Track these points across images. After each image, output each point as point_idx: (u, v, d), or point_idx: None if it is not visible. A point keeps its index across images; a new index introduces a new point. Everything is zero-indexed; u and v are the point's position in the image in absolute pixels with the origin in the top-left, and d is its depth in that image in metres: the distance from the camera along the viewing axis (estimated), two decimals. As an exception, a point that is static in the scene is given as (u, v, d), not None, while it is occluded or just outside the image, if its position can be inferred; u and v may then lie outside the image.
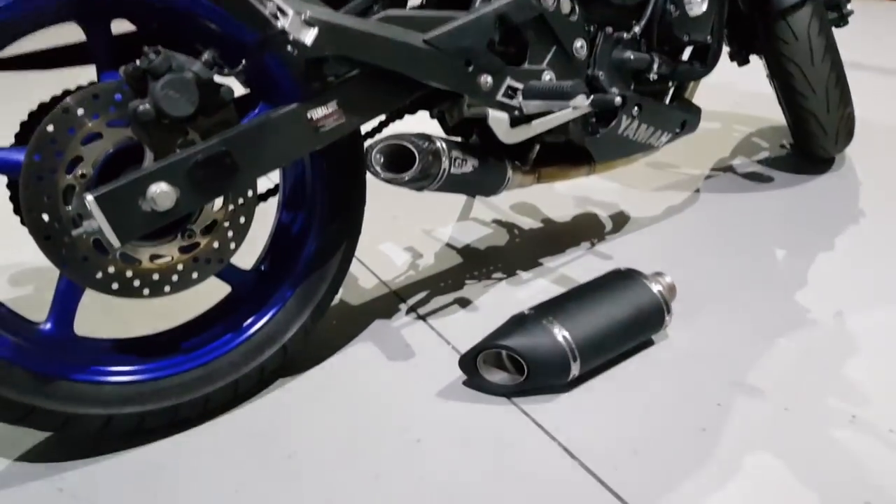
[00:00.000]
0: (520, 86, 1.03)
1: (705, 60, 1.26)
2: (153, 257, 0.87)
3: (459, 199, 1.64)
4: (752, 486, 0.85)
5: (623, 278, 1.10)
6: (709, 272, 1.30)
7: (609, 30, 1.12)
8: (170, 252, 0.88)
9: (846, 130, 1.64)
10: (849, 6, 1.55)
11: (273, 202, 1.10)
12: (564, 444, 0.92)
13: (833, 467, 0.87)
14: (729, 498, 0.83)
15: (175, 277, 0.88)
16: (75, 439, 0.94)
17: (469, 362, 1.01)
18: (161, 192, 0.80)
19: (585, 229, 1.49)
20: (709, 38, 1.22)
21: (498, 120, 1.03)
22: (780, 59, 1.49)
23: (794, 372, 1.04)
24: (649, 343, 1.10)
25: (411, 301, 1.25)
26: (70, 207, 0.79)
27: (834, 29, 1.56)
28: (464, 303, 1.24)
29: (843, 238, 1.41)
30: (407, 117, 1.17)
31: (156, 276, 0.87)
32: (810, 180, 1.67)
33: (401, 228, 1.52)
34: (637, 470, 0.87)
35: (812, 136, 1.62)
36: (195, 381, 0.94)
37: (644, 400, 0.99)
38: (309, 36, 0.81)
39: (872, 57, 2.75)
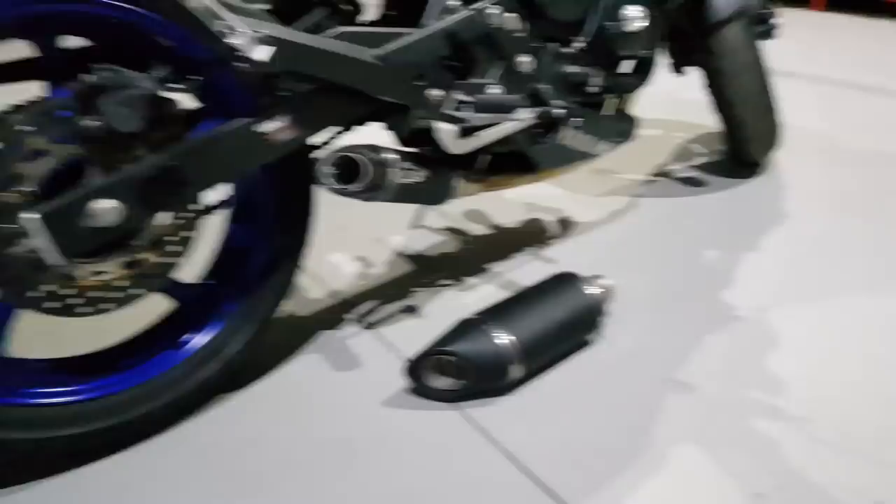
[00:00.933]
0: (468, 99, 1.06)
1: (642, 73, 1.31)
2: (95, 274, 0.86)
3: (408, 208, 1.66)
4: (682, 479, 0.90)
5: (562, 282, 1.14)
6: (645, 274, 1.36)
7: (553, 45, 1.16)
8: (113, 268, 0.86)
9: (774, 137, 1.72)
10: (775, 20, 1.63)
11: (221, 214, 1.09)
12: (506, 447, 0.95)
13: (752, 456, 0.93)
14: (660, 492, 0.88)
15: (118, 294, 0.87)
16: (7, 465, 0.91)
17: (414, 369, 1.03)
18: (107, 209, 0.79)
19: (532, 235, 1.53)
20: (645, 52, 1.27)
21: (445, 132, 1.06)
22: (713, 70, 1.56)
23: (720, 367, 1.10)
24: (587, 345, 1.15)
25: (359, 310, 1.26)
26: (12, 225, 0.78)
27: (762, 41, 1.64)
28: (411, 310, 1.26)
29: (770, 239, 1.49)
30: (359, 128, 1.19)
31: (98, 294, 0.86)
32: (741, 184, 1.75)
33: (350, 238, 1.53)
34: (574, 470, 0.91)
35: (743, 143, 1.70)
36: (135, 399, 0.92)
37: (582, 400, 1.03)
38: (261, 53, 0.81)
39: (798, 65, 2.88)
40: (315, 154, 1.02)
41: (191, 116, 0.93)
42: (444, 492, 0.88)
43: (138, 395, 0.93)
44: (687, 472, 0.90)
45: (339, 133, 1.15)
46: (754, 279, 1.34)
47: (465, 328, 1.04)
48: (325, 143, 1.16)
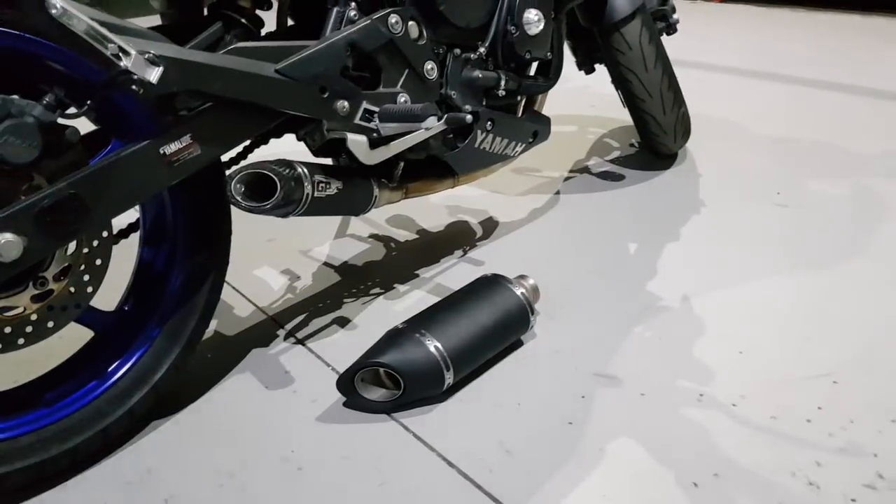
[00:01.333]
0: (376, 109, 1.06)
1: (549, 74, 1.35)
2: (3, 310, 0.83)
3: (336, 218, 1.66)
4: (614, 471, 0.92)
5: (489, 285, 1.16)
6: (570, 270, 1.39)
7: (457, 51, 1.17)
8: (21, 302, 0.84)
9: (683, 128, 1.79)
10: (675, 16, 1.70)
11: (134, 238, 1.07)
12: (442, 453, 0.95)
13: (686, 444, 0.96)
14: (595, 485, 0.90)
15: (29, 329, 0.84)
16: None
17: (347, 383, 1.03)
18: (6, 242, 0.77)
19: (457, 237, 1.55)
20: (549, 54, 1.30)
21: (357, 143, 1.06)
22: (619, 67, 1.61)
23: (649, 358, 1.13)
24: (518, 344, 1.17)
25: (289, 325, 1.25)
26: None
27: (663, 36, 1.70)
28: (342, 322, 1.26)
29: (687, 227, 1.54)
30: (273, 141, 1.18)
31: (7, 330, 0.83)
32: (657, 175, 1.81)
33: (277, 251, 1.51)
34: (511, 470, 0.92)
35: (654, 136, 1.76)
36: (60, 433, 0.90)
37: (515, 400, 1.05)
38: (153, 74, 0.80)
39: (699, 55, 3.00)
40: (226, 171, 1.01)
41: (94, 139, 0.91)
42: (388, 502, 0.88)
43: (64, 429, 0.90)
44: (624, 465, 0.92)
45: (254, 146, 1.14)
46: (677, 268, 1.39)
47: (395, 338, 1.05)
48: (241, 157, 1.15)
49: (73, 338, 1.00)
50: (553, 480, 0.91)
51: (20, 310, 0.84)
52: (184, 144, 0.88)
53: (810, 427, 0.98)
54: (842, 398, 1.03)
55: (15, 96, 0.77)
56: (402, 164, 1.21)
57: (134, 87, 0.80)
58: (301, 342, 1.20)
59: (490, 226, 1.59)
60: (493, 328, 1.10)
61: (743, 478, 0.90)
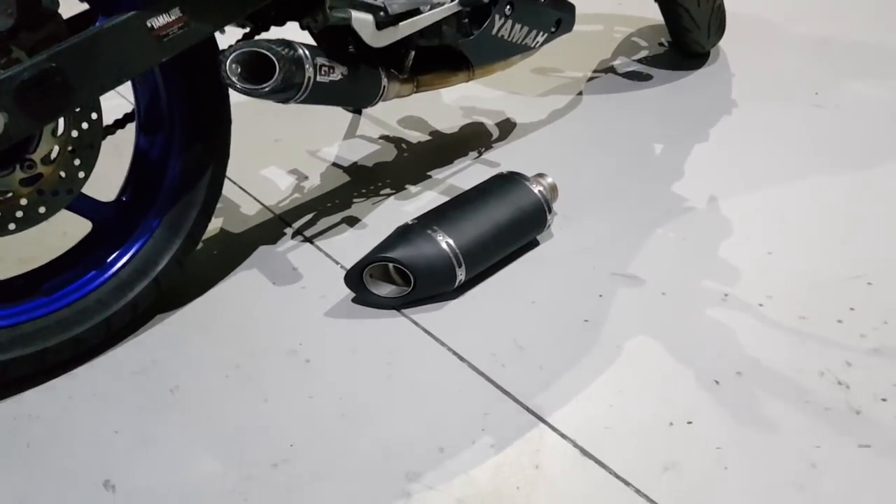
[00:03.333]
0: (384, -16, 0.98)
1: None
2: (-7, 193, 0.79)
3: (345, 118, 1.59)
4: (631, 367, 0.88)
5: (505, 182, 1.10)
6: (591, 171, 1.32)
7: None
8: (10, 186, 0.80)
9: (718, 23, 1.68)
10: None
11: (131, 130, 1.02)
12: (454, 348, 0.92)
13: (708, 343, 0.92)
14: (612, 381, 0.87)
15: (20, 214, 0.81)
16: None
17: (355, 278, 1.00)
18: (-15, 118, 0.72)
19: (472, 139, 1.48)
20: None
21: (363, 22, 0.98)
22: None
23: (671, 258, 1.08)
24: (534, 244, 1.12)
25: (297, 224, 1.21)
26: None
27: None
28: (351, 221, 1.21)
29: (716, 129, 1.46)
30: (274, 29, 1.10)
31: (-1, 213, 0.80)
32: (687, 76, 1.71)
33: (283, 151, 1.46)
34: (524, 365, 0.89)
35: (686, 32, 1.65)
36: (61, 323, 0.88)
37: (529, 299, 1.01)
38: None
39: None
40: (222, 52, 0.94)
41: (81, 19, 0.85)
42: (397, 394, 0.86)
43: (65, 318, 0.88)
44: (642, 363, 0.89)
45: (254, 34, 1.07)
46: (703, 170, 1.31)
47: (405, 233, 1.01)
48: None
49: (78, 235, 0.96)
50: (567, 376, 0.87)
51: (9, 193, 0.80)
52: (173, 18, 0.81)
53: (841, 328, 0.93)
54: (876, 299, 0.97)
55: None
56: (412, 52, 1.13)
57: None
58: (309, 240, 1.16)
59: (507, 127, 1.52)
60: (507, 226, 1.05)
61: (767, 377, 0.86)
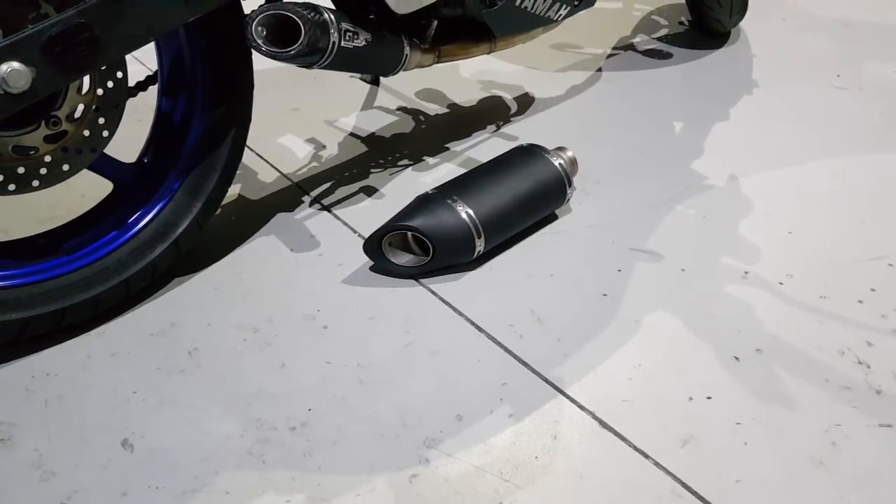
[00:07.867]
0: (410, -50, 0.96)
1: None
2: (16, 149, 0.79)
3: (363, 89, 1.58)
4: (650, 342, 0.88)
5: (525, 154, 1.09)
6: (610, 146, 1.31)
7: None
8: (35, 142, 0.80)
9: (740, 3, 1.65)
10: None
11: (154, 92, 1.01)
12: (472, 318, 0.92)
13: (727, 320, 0.91)
14: (630, 355, 0.86)
15: (43, 171, 0.81)
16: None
17: (374, 246, 0.99)
18: (13, 71, 0.72)
19: (491, 112, 1.46)
20: None
21: (389, -11, 0.97)
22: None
23: (691, 235, 1.07)
24: (553, 217, 1.11)
25: (315, 192, 1.20)
26: None
27: None
28: (369, 191, 1.21)
29: (737, 108, 1.44)
30: None
31: (21, 170, 0.79)
32: (707, 55, 1.69)
33: (302, 120, 1.45)
34: (542, 337, 0.89)
35: (707, 10, 1.63)
36: (81, 282, 0.88)
37: (548, 272, 1.00)
38: None
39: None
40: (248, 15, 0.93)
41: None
42: (413, 361, 0.86)
43: (85, 278, 0.88)
44: (661, 337, 0.88)
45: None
46: (724, 148, 1.30)
47: (425, 202, 1.00)
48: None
49: (98, 197, 0.96)
50: (586, 348, 0.87)
51: (34, 150, 0.80)
52: (200, -24, 0.80)
53: (862, 308, 0.93)
54: (897, 281, 0.97)
55: None
56: (435, 22, 1.12)
57: None
58: (327, 208, 1.16)
59: (526, 101, 1.51)
60: (527, 198, 1.04)
61: (787, 354, 0.86)
